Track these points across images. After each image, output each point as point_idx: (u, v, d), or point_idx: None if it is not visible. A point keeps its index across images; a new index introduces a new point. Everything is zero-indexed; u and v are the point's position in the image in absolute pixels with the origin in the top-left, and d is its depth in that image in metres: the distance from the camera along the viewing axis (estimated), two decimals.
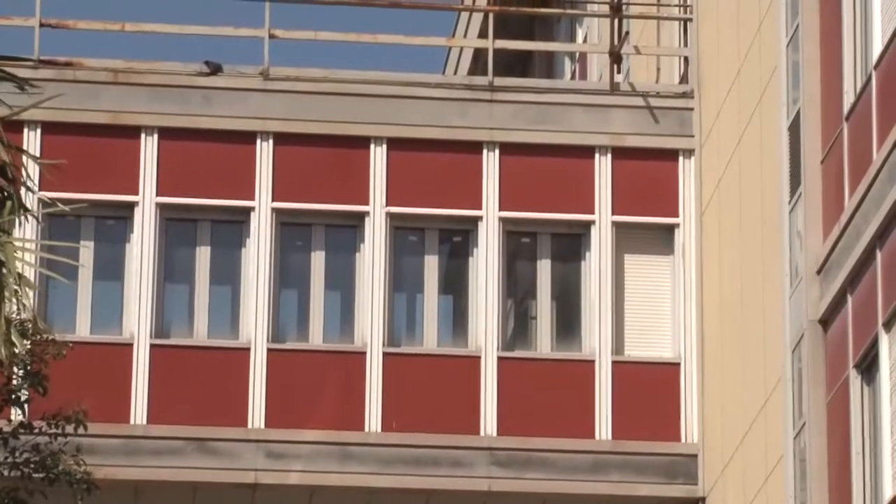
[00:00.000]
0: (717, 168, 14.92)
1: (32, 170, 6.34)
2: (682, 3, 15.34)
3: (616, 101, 14.87)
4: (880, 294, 11.75)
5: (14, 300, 5.30)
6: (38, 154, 12.02)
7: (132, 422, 13.35)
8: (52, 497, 10.76)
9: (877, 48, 12.23)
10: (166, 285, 13.69)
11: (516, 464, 13.67)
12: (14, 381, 10.63)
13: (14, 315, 6.14)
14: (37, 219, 10.28)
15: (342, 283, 13.99)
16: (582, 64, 19.84)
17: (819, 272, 12.95)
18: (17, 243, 5.23)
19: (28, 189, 5.69)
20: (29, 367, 10.65)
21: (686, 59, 15.62)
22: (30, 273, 5.71)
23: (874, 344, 11.86)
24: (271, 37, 13.91)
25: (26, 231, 9.54)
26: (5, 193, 5.34)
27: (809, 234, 13.12)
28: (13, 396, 10.92)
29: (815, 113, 13.15)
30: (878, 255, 11.75)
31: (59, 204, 6.43)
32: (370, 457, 13.53)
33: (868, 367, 12.15)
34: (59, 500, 10.85)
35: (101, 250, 13.75)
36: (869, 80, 12.11)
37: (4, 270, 5.32)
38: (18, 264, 5.15)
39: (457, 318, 14.56)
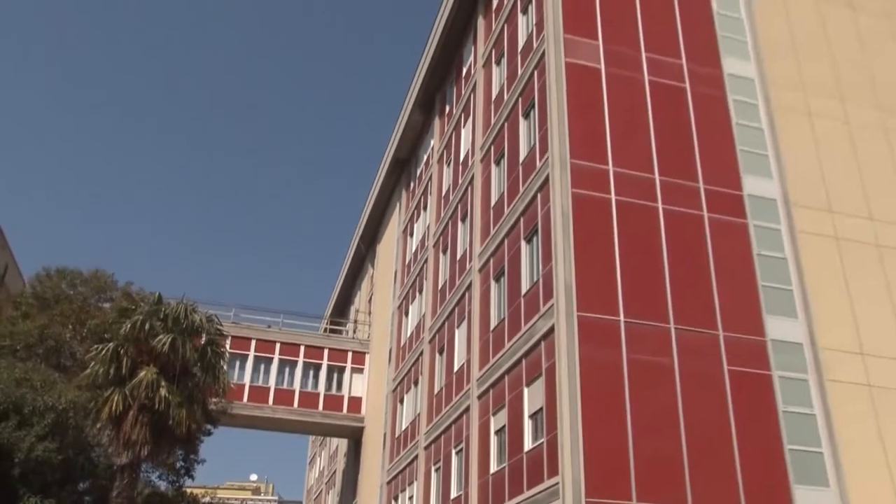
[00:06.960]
0: (376, 354, 57.64)
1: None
2: (366, 319, 61.55)
3: (354, 339, 59.41)
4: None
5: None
6: (228, 346, 53.88)
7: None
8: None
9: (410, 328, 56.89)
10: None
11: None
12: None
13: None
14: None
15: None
16: (349, 330, 65.09)
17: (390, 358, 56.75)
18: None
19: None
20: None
21: (370, 333, 60.66)
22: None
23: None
24: (283, 323, 57.70)
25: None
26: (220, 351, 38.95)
27: (393, 359, 56.81)
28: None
29: (396, 334, 57.42)
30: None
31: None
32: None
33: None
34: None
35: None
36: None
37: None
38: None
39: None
